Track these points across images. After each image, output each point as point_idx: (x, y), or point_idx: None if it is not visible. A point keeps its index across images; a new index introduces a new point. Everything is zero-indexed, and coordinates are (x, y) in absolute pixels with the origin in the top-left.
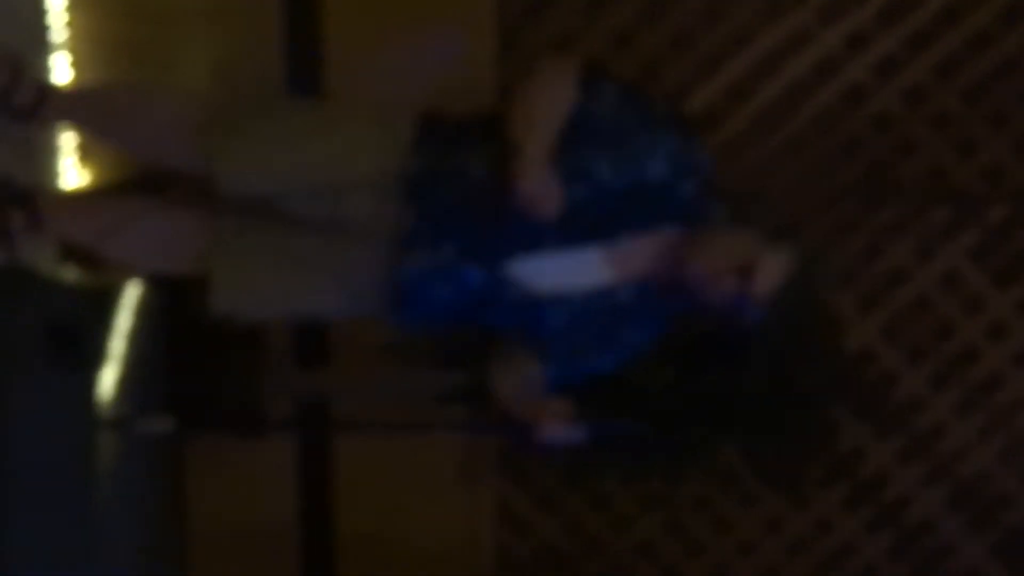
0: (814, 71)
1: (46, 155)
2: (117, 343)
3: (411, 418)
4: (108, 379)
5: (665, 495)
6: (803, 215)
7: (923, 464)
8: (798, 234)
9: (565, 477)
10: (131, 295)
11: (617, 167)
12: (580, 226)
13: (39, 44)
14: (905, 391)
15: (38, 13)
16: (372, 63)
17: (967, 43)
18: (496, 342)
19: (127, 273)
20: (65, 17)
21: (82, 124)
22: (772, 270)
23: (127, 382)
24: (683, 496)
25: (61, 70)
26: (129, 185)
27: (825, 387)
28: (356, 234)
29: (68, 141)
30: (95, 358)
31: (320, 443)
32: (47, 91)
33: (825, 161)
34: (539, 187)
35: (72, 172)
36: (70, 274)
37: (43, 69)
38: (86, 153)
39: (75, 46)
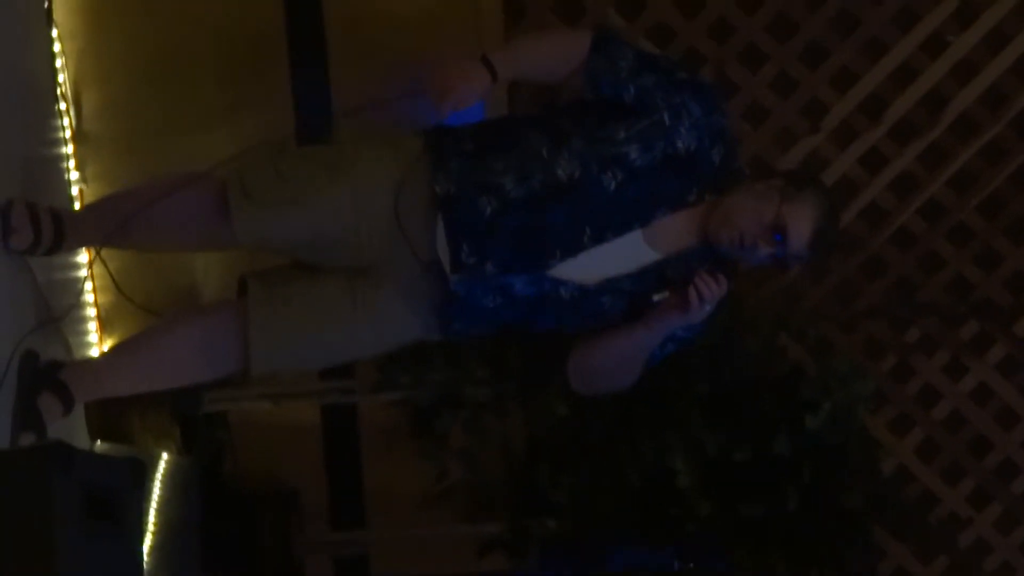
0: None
1: (70, 324)
2: (153, 511)
3: (451, 568)
4: (146, 547)
5: None
6: (832, 338)
7: None
8: (830, 356)
9: None
10: (165, 462)
11: (646, 145)
12: (619, 212)
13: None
14: (946, 510)
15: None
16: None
17: (983, 156)
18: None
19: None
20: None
21: (106, 239)
22: (803, 218)
23: (164, 549)
24: None
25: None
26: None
27: (864, 509)
28: (389, 270)
29: (88, 308)
30: (133, 527)
31: None
32: (63, 217)
33: (849, 283)
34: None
35: (96, 337)
36: (103, 445)
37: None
38: (108, 318)
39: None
